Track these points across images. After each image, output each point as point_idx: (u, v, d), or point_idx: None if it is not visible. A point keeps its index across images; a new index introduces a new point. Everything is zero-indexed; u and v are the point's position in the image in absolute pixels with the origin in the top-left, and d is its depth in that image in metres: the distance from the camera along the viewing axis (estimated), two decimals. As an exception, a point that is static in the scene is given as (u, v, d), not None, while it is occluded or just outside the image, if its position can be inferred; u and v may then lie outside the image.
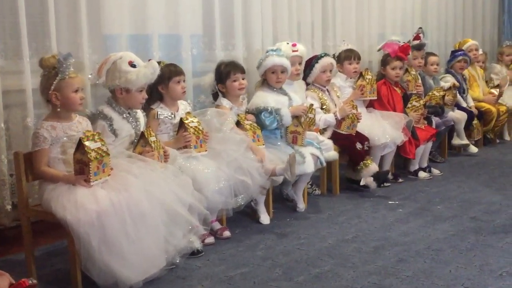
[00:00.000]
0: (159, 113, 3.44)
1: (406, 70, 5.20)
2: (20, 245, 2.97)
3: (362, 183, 4.47)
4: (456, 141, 5.72)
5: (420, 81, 5.28)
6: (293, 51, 4.26)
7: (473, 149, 5.76)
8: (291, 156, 3.50)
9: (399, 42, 5.11)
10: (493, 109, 6.04)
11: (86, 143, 2.69)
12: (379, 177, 4.44)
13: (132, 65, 3.15)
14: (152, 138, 3.06)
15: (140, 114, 3.30)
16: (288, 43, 4.31)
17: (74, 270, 2.71)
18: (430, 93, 5.25)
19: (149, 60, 3.27)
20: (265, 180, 3.59)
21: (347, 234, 3.57)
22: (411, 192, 4.53)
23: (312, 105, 4.21)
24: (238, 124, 3.72)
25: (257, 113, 3.90)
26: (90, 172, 2.68)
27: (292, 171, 3.48)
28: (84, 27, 3.52)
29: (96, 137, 2.76)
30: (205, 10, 4.27)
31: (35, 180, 2.91)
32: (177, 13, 4.04)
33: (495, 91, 6.15)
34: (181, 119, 3.37)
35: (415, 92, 5.10)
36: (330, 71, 4.54)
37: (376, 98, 4.73)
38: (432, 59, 5.58)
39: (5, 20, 3.25)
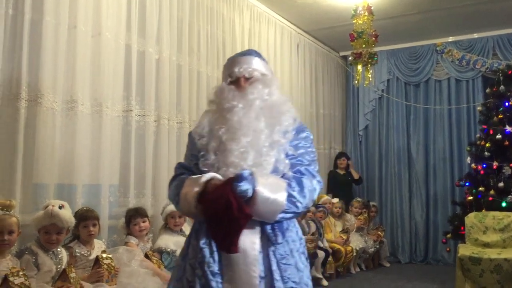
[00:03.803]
0: (76, 250, 3.27)
1: None
2: None
3: None
4: (312, 273, 5.76)
5: None
6: None
7: (324, 282, 5.70)
8: None
9: None
10: (342, 249, 6.22)
11: (10, 278, 2.54)
12: None
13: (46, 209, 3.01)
14: (72, 275, 2.89)
15: (64, 252, 3.11)
16: None
17: None
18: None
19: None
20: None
21: None
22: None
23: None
24: (147, 257, 3.60)
25: (159, 253, 3.82)
26: (12, 304, 2.46)
27: None
28: (18, 177, 3.31)
29: (20, 273, 2.60)
30: (122, 165, 4.20)
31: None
32: (98, 167, 3.95)
33: (343, 236, 6.42)
34: (97, 256, 3.21)
35: None
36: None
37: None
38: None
39: None
